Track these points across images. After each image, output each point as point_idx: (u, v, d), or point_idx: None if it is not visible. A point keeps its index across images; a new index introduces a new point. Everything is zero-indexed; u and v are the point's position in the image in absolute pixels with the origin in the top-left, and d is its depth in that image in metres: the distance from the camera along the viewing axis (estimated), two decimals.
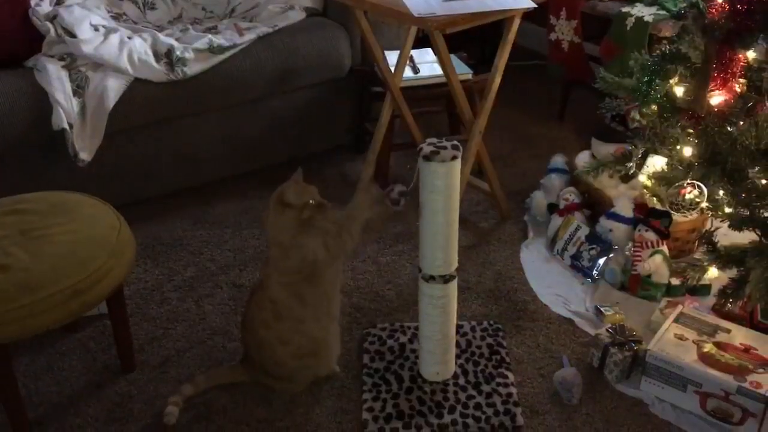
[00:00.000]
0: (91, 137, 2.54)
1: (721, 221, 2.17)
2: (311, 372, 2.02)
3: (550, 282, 2.43)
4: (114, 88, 2.54)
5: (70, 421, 1.94)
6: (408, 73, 2.86)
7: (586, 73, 3.30)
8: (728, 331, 2.04)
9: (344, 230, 1.87)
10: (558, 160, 2.86)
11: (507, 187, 2.83)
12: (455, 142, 1.81)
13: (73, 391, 2.03)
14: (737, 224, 2.04)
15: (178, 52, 2.64)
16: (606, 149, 2.65)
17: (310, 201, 1.83)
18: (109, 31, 2.65)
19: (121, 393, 2.02)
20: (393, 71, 2.74)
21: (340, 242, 1.87)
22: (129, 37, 2.67)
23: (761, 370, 1.88)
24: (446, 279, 1.90)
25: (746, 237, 2.06)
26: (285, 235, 1.84)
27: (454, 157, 1.77)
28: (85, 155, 2.53)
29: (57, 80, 2.47)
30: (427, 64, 2.96)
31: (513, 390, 1.99)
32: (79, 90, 2.52)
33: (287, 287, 1.88)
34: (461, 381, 2.03)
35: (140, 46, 2.63)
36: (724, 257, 2.09)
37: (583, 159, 2.79)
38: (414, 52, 2.96)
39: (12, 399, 1.83)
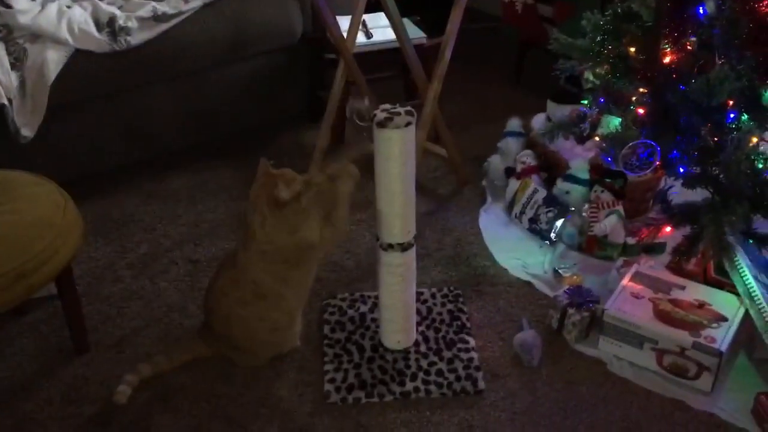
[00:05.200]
0: (32, 112, 2.44)
1: (674, 180, 2.18)
2: (277, 348, 2.00)
3: (509, 246, 2.43)
4: (54, 60, 2.45)
5: (22, 407, 1.88)
6: (361, 38, 2.81)
7: (540, 34, 3.27)
8: (683, 287, 2.07)
9: (335, 219, 1.84)
10: (514, 123, 2.85)
11: (464, 152, 2.81)
12: (409, 108, 1.78)
13: (25, 375, 1.98)
14: (690, 182, 2.06)
15: (120, 21, 2.55)
16: (561, 111, 2.65)
17: (299, 187, 1.78)
18: (46, 0, 2.53)
19: (75, 375, 1.97)
20: (345, 37, 2.69)
21: (334, 231, 1.86)
22: (68, 6, 2.56)
23: (715, 325, 1.92)
24: (404, 247, 1.88)
25: (699, 195, 2.09)
26: (282, 235, 1.80)
27: (408, 123, 1.74)
28: (27, 131, 2.43)
29: None
30: (381, 29, 2.90)
31: (474, 355, 2.00)
32: (17, 63, 2.42)
33: (272, 274, 1.85)
34: (422, 348, 2.03)
35: (80, 15, 2.52)
36: (678, 215, 2.11)
37: (538, 121, 2.79)
38: (366, 17, 2.90)
39: None
